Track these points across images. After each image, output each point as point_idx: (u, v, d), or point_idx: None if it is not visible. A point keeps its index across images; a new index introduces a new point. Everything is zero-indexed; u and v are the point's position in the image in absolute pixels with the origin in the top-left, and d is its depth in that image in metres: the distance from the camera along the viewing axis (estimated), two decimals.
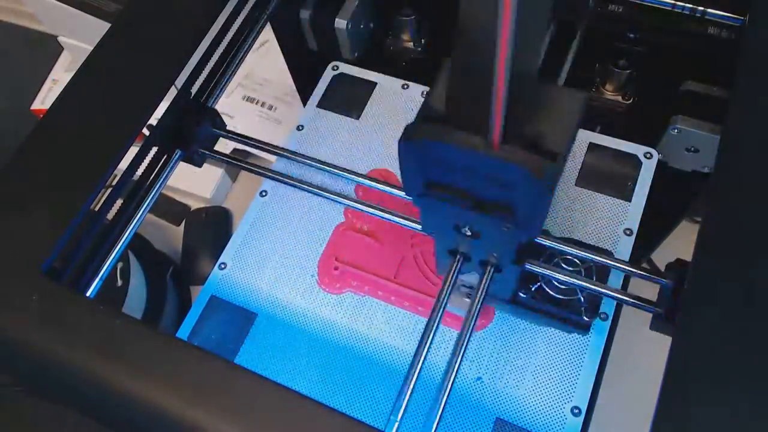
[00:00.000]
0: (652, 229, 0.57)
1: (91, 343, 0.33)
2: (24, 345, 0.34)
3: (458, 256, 0.37)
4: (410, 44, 0.60)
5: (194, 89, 0.46)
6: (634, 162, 0.51)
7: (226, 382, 0.31)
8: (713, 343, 0.31)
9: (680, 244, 0.41)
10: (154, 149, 0.44)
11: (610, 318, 0.46)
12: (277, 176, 0.46)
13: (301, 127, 0.57)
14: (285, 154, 0.48)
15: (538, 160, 0.25)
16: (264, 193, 0.54)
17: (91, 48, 0.43)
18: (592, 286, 0.40)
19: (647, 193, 0.50)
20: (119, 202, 0.43)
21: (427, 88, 0.57)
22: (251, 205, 0.54)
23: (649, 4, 0.48)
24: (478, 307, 0.37)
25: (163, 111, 0.43)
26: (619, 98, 0.56)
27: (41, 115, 0.43)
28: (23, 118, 1.03)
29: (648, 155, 0.51)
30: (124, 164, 0.41)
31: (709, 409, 0.30)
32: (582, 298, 0.42)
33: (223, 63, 0.48)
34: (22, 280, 0.35)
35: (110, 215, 0.42)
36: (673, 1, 0.46)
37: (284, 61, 0.66)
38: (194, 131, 0.45)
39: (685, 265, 0.36)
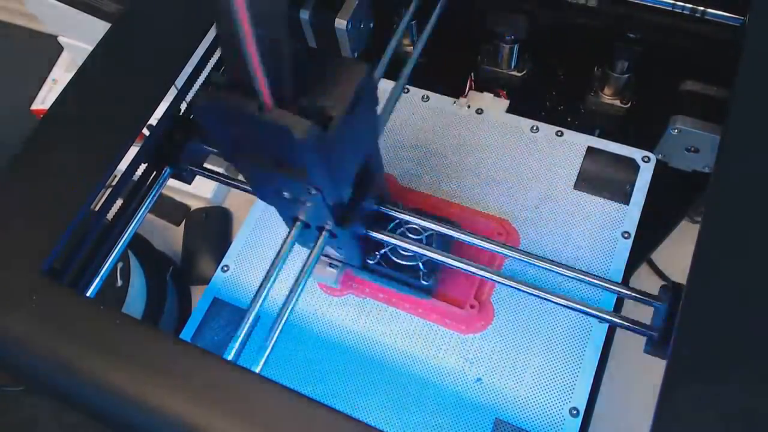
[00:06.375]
0: (652, 229, 0.57)
1: (91, 343, 0.33)
2: (24, 345, 0.34)
3: (296, 222, 0.39)
4: (410, 47, 0.60)
5: (183, 106, 0.45)
6: (633, 165, 0.51)
7: (227, 383, 0.31)
8: (713, 348, 0.31)
9: (680, 244, 0.41)
10: (143, 166, 0.43)
11: None
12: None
13: None
14: None
15: (304, 122, 0.26)
16: None
17: (91, 48, 0.43)
18: (431, 254, 0.42)
19: (645, 196, 0.50)
20: (119, 202, 0.43)
21: (427, 92, 0.57)
22: (253, 207, 0.54)
23: (649, 4, 0.48)
24: (312, 264, 0.40)
25: (155, 123, 0.43)
26: (618, 102, 0.56)
27: (41, 115, 0.43)
28: (23, 118, 1.03)
29: (646, 159, 0.51)
30: (123, 164, 0.41)
31: (707, 410, 0.30)
32: (421, 264, 0.46)
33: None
34: (22, 280, 0.35)
35: (110, 215, 0.42)
36: (673, 1, 0.46)
37: None
38: (183, 148, 0.44)
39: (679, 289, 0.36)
